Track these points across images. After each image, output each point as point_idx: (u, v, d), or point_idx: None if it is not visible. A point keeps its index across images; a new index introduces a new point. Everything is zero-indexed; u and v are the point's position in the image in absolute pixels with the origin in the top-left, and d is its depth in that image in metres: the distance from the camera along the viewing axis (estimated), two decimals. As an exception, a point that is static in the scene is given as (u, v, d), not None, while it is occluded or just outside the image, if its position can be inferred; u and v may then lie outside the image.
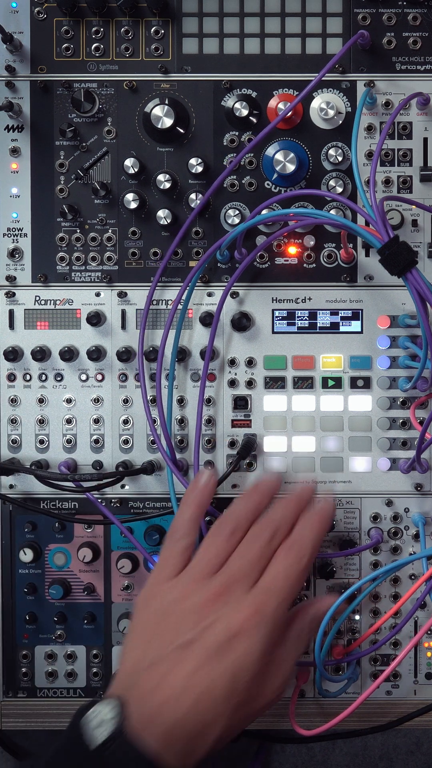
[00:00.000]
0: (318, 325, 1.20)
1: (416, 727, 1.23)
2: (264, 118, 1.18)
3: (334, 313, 1.20)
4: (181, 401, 1.20)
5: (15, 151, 1.20)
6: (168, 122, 1.16)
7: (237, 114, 1.17)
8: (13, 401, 1.20)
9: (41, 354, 1.19)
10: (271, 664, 0.96)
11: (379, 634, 1.20)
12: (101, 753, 0.87)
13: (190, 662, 0.91)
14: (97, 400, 1.20)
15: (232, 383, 1.20)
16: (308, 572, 0.98)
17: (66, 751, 0.90)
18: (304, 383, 1.20)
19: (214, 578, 0.98)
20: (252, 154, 1.18)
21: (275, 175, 1.17)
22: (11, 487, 1.21)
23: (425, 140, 1.19)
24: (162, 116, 1.16)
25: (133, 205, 1.18)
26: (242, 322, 1.19)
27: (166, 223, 1.18)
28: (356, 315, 1.19)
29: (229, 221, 1.18)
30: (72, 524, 1.21)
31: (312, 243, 1.19)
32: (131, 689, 0.92)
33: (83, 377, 1.20)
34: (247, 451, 1.19)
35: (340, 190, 1.17)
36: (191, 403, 1.20)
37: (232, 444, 1.20)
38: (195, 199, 1.18)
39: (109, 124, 1.19)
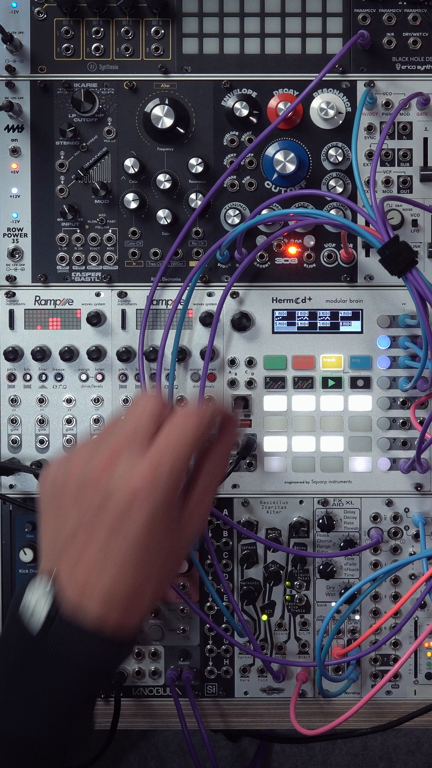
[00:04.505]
0: (318, 325, 1.20)
1: (416, 727, 1.23)
2: (264, 118, 1.18)
3: (334, 313, 1.20)
4: (182, 401, 1.20)
5: (15, 151, 1.20)
6: (168, 122, 1.17)
7: (237, 114, 1.17)
8: (13, 401, 1.20)
9: (41, 354, 1.19)
10: (184, 509, 0.95)
11: (379, 634, 1.20)
12: (44, 637, 0.88)
13: (101, 532, 0.90)
14: (97, 400, 1.20)
15: (232, 383, 1.20)
16: (201, 438, 0.95)
17: (8, 643, 0.91)
18: (304, 383, 1.20)
19: (105, 442, 0.95)
20: (252, 154, 1.18)
21: (275, 175, 1.17)
22: (11, 487, 1.21)
23: (425, 140, 1.19)
24: (162, 116, 1.16)
25: (133, 205, 1.18)
26: (242, 322, 1.19)
27: (166, 223, 1.18)
28: (356, 315, 1.19)
29: (229, 221, 1.18)
30: (72, 524, 1.21)
31: (312, 243, 1.19)
32: (58, 562, 0.91)
33: (83, 377, 1.20)
34: (247, 451, 1.19)
35: (340, 190, 1.17)
36: (191, 403, 1.20)
37: (232, 444, 1.20)
38: (195, 199, 1.18)
39: (109, 124, 1.19)
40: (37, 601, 0.89)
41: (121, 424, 0.96)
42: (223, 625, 1.20)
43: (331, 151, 1.17)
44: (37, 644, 0.88)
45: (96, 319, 1.19)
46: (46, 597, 0.89)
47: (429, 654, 1.22)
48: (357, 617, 1.21)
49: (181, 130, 1.18)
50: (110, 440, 0.94)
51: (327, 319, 1.20)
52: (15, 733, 0.90)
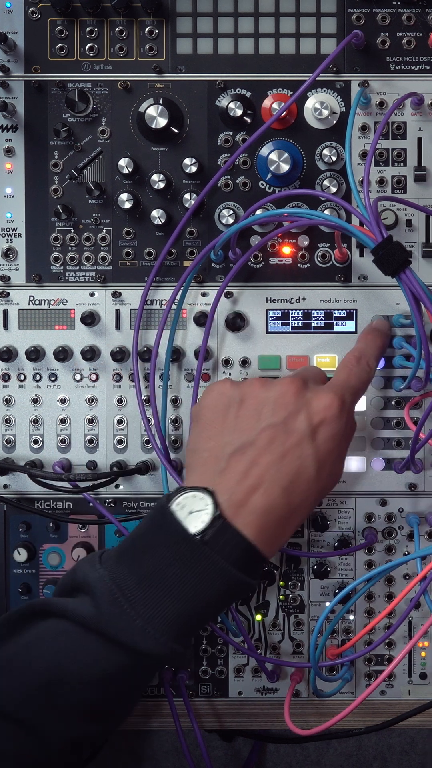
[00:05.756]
0: (312, 325, 1.20)
1: (410, 727, 1.23)
2: (258, 118, 1.18)
3: (328, 313, 1.20)
4: (176, 401, 1.20)
5: (9, 151, 1.19)
6: (162, 122, 1.16)
7: (231, 114, 1.17)
8: (8, 401, 1.20)
9: (35, 354, 1.19)
10: (343, 449, 0.99)
11: (373, 634, 1.20)
12: (202, 538, 0.89)
13: (278, 447, 0.92)
14: (91, 400, 1.20)
15: (227, 383, 1.20)
16: (370, 381, 1.07)
17: (160, 538, 0.91)
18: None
19: (289, 376, 1.00)
20: (246, 154, 1.18)
21: (269, 175, 1.17)
22: (5, 487, 1.20)
23: (419, 140, 1.19)
24: (156, 116, 1.16)
25: (128, 205, 1.18)
26: (236, 322, 1.19)
27: (160, 223, 1.18)
28: (350, 315, 1.19)
29: (224, 221, 1.18)
30: (66, 524, 1.21)
31: (306, 243, 1.19)
32: (216, 478, 0.92)
33: (77, 377, 1.20)
34: (242, 451, 1.19)
35: (334, 190, 1.17)
36: (185, 403, 1.20)
37: (226, 444, 1.20)
38: (189, 199, 1.18)
39: (104, 124, 1.19)
40: (193, 509, 0.90)
41: (296, 372, 1.04)
42: (218, 625, 1.20)
43: (325, 151, 1.17)
44: (193, 544, 0.88)
45: (90, 319, 1.19)
46: (205, 504, 0.89)
47: (423, 654, 1.22)
48: (351, 617, 1.21)
49: (175, 130, 1.18)
50: (288, 376, 0.99)
51: (321, 319, 1.20)
52: (127, 639, 0.90)
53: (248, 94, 1.18)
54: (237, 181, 1.19)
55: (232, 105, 1.17)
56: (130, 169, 1.18)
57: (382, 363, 1.19)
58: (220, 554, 0.89)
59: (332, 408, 0.95)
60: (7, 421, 1.20)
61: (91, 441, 1.20)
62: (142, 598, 0.89)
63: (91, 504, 1.18)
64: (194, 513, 0.90)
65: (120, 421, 1.20)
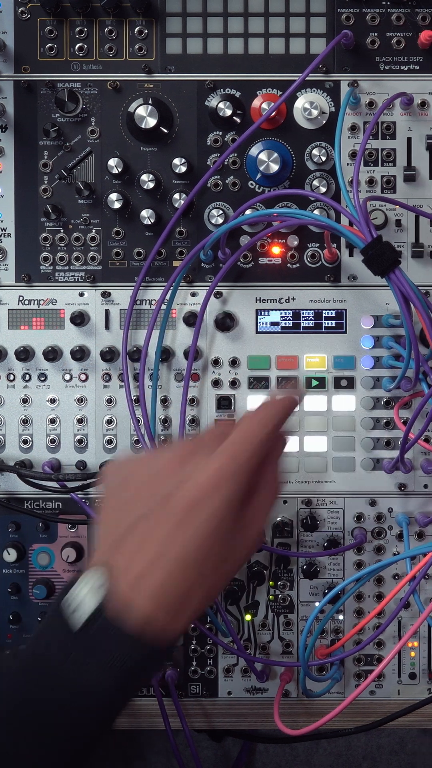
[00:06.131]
0: (302, 325, 1.20)
1: (400, 727, 1.23)
2: (248, 118, 1.18)
3: (317, 313, 1.20)
4: (165, 401, 1.20)
5: (-2, 151, 1.20)
6: (151, 122, 1.16)
7: (221, 114, 1.17)
8: (-3, 401, 1.20)
9: (25, 354, 1.19)
10: (244, 517, 0.93)
11: (362, 634, 1.20)
12: (83, 635, 0.87)
13: (165, 523, 0.90)
14: (80, 400, 1.20)
15: (216, 383, 1.20)
16: (271, 439, 0.94)
17: (49, 635, 0.90)
18: (287, 383, 1.20)
19: (177, 446, 0.96)
20: (235, 154, 1.18)
21: (259, 175, 1.17)
22: (-5, 487, 1.21)
23: (409, 140, 1.19)
24: (145, 116, 1.16)
25: (117, 205, 1.18)
26: (226, 322, 1.19)
27: (149, 223, 1.18)
28: (340, 315, 1.19)
29: (213, 221, 1.18)
30: (56, 524, 1.21)
31: (296, 243, 1.19)
32: (114, 553, 0.91)
33: (67, 377, 1.20)
34: (231, 451, 1.19)
35: (323, 190, 1.18)
36: (175, 403, 1.20)
37: (215, 444, 1.20)
38: (179, 199, 1.18)
39: (93, 124, 1.19)
40: (84, 596, 0.88)
41: (198, 434, 0.99)
42: (207, 625, 1.20)
43: (315, 151, 1.17)
44: (76, 642, 0.87)
45: (79, 319, 1.19)
46: (95, 592, 0.88)
47: (413, 654, 1.22)
48: (341, 617, 1.21)
49: (165, 130, 1.18)
50: (183, 444, 0.95)
51: (311, 319, 1.20)
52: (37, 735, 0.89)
53: (238, 94, 1.18)
54: (226, 181, 1.19)
55: (221, 105, 1.17)
56: (120, 169, 1.18)
57: (371, 362, 1.19)
58: (102, 648, 0.87)
59: (215, 476, 0.90)
60: (-3, 421, 1.21)
61: (80, 441, 1.20)
62: (47, 699, 0.89)
63: (79, 504, 1.18)
64: (82, 605, 0.89)
65: (109, 421, 1.20)
